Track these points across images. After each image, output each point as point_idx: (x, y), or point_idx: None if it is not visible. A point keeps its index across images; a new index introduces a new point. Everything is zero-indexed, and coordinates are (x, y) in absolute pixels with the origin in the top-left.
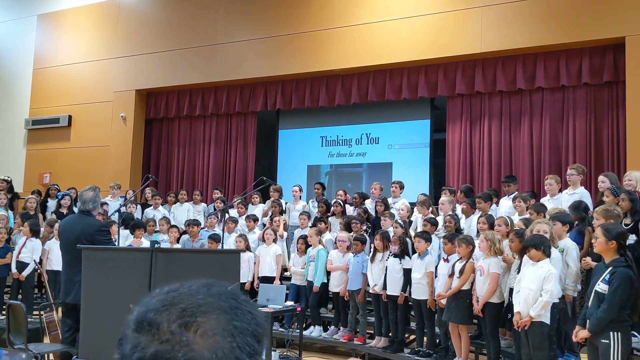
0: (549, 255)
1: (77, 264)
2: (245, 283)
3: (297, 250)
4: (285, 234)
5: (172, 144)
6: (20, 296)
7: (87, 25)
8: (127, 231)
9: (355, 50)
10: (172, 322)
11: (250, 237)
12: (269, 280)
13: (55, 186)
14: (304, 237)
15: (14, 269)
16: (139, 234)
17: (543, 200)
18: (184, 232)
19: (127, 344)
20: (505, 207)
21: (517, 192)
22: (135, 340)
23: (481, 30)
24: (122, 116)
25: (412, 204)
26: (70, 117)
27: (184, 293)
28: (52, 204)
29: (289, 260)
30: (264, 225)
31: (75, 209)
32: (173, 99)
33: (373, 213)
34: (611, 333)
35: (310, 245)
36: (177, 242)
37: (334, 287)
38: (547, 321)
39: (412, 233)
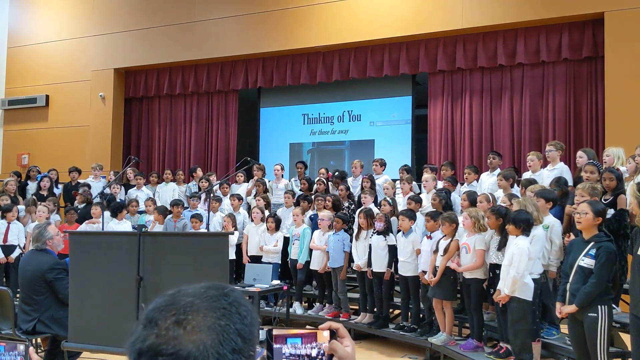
0: (527, 233)
1: (33, 303)
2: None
3: (268, 230)
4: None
5: (153, 123)
6: (5, 280)
7: (63, 2)
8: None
9: (337, 27)
10: (168, 320)
11: (236, 216)
12: (257, 259)
13: (36, 168)
14: (273, 215)
15: (0, 254)
16: (121, 217)
17: (525, 176)
18: (169, 212)
19: (132, 337)
20: (487, 183)
21: (499, 169)
22: (138, 334)
23: (462, 6)
24: (100, 95)
25: (395, 181)
26: (47, 96)
27: (184, 294)
28: (32, 186)
29: None
30: (248, 204)
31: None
32: (152, 77)
33: (355, 191)
34: (599, 307)
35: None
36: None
37: (315, 265)
38: (526, 297)
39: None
